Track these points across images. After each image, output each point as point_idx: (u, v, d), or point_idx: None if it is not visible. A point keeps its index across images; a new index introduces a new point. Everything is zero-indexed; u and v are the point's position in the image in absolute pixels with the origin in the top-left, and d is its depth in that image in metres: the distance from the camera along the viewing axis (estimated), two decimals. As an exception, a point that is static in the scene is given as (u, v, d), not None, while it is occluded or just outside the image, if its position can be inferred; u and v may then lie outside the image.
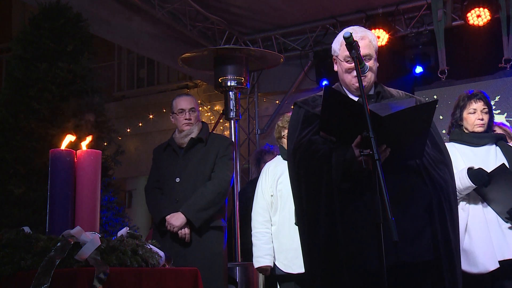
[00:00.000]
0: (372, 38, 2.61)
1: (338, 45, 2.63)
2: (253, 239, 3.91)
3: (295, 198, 2.58)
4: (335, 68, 2.69)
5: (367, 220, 2.29)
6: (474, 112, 3.53)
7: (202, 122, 3.96)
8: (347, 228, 2.36)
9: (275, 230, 3.91)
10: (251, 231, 3.95)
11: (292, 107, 2.78)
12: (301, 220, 2.56)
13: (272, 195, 3.92)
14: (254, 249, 3.87)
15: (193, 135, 3.83)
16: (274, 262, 3.92)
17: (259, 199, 3.97)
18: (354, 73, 2.50)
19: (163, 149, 3.91)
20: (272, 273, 3.96)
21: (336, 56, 2.64)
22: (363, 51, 2.48)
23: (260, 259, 3.82)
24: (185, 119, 3.83)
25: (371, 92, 2.62)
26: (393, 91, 2.70)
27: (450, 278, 2.40)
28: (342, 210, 2.36)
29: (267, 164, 4.11)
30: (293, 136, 2.60)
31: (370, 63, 2.55)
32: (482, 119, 3.53)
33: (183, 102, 3.87)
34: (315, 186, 2.43)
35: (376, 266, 2.16)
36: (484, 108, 3.55)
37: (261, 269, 3.85)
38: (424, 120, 2.33)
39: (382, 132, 2.19)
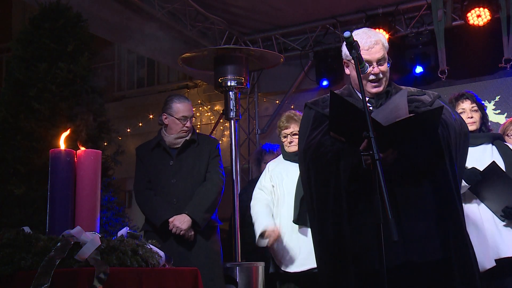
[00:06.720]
0: (384, 40, 2.63)
1: None
2: (252, 211, 3.93)
3: (306, 197, 2.65)
4: (347, 71, 2.69)
5: (373, 221, 2.32)
6: (463, 112, 3.53)
7: None
8: (353, 228, 2.40)
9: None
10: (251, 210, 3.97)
11: (301, 108, 2.83)
12: (311, 219, 2.62)
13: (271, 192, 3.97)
14: (256, 223, 3.86)
15: (187, 137, 3.82)
16: (274, 262, 3.92)
17: (257, 189, 4.03)
18: (371, 77, 2.55)
19: (150, 149, 3.85)
20: (272, 273, 3.95)
21: (349, 60, 2.62)
22: (377, 55, 2.54)
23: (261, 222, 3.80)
24: (186, 126, 3.80)
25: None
26: (405, 88, 2.70)
27: (463, 276, 2.38)
28: (349, 211, 2.42)
29: (269, 163, 4.15)
30: (304, 137, 2.65)
31: (384, 68, 2.57)
32: (471, 117, 3.52)
33: (186, 109, 3.81)
34: (324, 188, 2.49)
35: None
36: (472, 107, 3.54)
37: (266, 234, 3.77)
38: (430, 126, 2.34)
39: (387, 139, 2.23)
